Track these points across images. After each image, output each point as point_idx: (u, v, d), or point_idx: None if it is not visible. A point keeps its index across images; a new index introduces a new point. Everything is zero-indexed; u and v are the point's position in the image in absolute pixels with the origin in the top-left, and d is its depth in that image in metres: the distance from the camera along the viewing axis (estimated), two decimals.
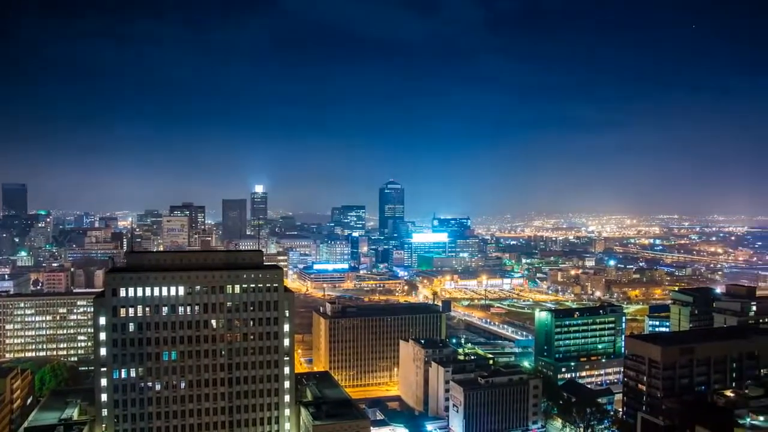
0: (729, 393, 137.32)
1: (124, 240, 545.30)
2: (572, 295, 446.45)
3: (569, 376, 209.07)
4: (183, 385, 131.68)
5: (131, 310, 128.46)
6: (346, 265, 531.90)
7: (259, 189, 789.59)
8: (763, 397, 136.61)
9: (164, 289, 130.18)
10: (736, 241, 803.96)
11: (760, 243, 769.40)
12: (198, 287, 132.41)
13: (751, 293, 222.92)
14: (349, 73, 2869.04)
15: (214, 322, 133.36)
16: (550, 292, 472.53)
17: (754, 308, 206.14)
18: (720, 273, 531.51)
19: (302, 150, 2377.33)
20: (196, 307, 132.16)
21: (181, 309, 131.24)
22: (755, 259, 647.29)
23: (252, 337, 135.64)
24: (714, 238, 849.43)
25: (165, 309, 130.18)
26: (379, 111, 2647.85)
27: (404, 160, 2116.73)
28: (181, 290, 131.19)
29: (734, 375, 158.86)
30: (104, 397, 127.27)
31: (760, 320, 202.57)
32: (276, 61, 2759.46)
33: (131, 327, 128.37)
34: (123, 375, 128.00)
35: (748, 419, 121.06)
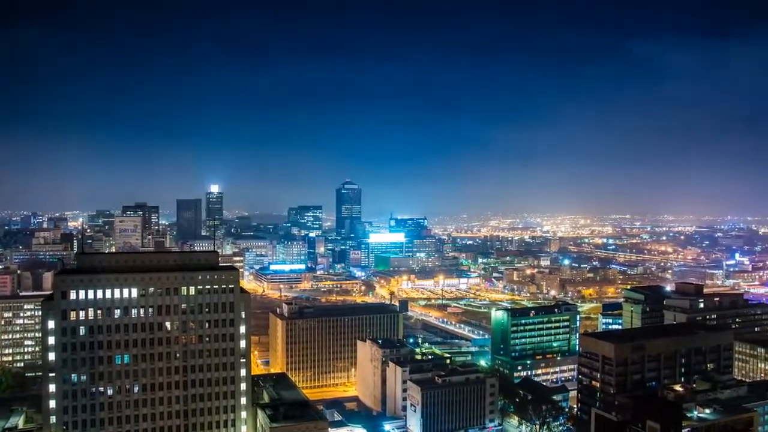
0: (678, 388, 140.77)
1: (75, 241, 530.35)
2: (528, 294, 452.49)
3: (525, 374, 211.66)
4: (136, 389, 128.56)
5: (82, 313, 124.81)
6: (302, 266, 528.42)
7: (214, 189, 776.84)
8: (710, 391, 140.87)
9: (116, 291, 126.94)
10: (685, 241, 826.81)
11: (707, 242, 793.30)
12: (152, 289, 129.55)
13: (698, 291, 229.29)
14: (305, 73, 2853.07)
15: (168, 325, 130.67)
16: (506, 291, 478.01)
17: (701, 305, 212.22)
18: (670, 271, 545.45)
19: (258, 149, 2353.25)
20: (150, 310, 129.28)
21: (134, 311, 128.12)
22: (702, 257, 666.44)
23: (207, 339, 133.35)
24: (664, 238, 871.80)
25: (117, 311, 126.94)
26: (335, 111, 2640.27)
27: (361, 160, 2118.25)
28: (134, 292, 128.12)
29: (683, 370, 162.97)
30: (52, 403, 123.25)
31: (707, 317, 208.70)
32: (230, 62, 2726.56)
33: (82, 330, 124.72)
34: (73, 380, 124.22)
35: (695, 412, 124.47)
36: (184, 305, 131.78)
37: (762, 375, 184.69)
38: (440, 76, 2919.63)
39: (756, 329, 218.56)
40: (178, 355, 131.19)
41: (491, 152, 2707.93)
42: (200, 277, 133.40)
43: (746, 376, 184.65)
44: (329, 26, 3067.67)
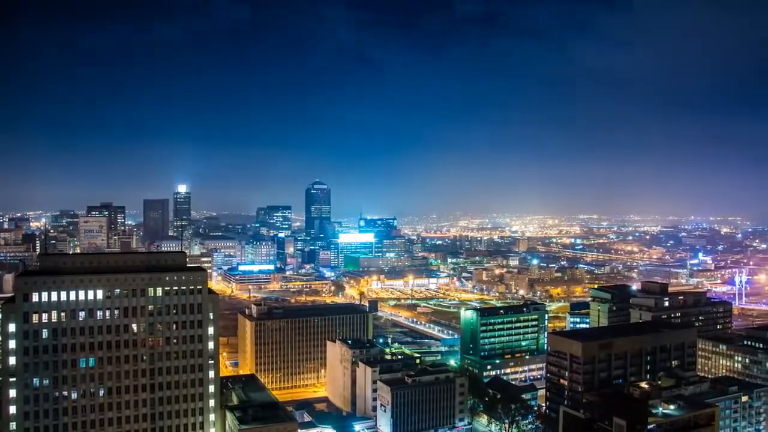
0: (644, 385, 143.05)
1: (37, 242, 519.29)
2: (497, 294, 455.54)
3: (494, 373, 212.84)
4: (102, 392, 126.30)
5: (44, 316, 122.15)
6: (271, 266, 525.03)
7: (182, 189, 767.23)
8: (674, 388, 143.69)
9: (81, 293, 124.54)
10: (651, 240, 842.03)
11: (671, 242, 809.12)
12: (117, 290, 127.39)
13: (663, 290, 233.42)
14: (273, 73, 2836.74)
15: (134, 327, 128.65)
16: (475, 291, 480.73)
17: (666, 303, 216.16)
18: (636, 271, 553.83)
19: (227, 149, 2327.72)
20: (116, 311, 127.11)
21: (99, 313, 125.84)
22: (667, 257, 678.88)
23: (175, 341, 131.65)
24: (630, 238, 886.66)
25: (82, 314, 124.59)
26: (305, 111, 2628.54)
27: (331, 160, 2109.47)
28: (100, 294, 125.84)
29: (648, 367, 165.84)
30: (13, 409, 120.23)
31: (672, 315, 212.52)
32: (198, 61, 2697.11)
33: (44, 333, 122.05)
34: (35, 384, 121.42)
35: (660, 409, 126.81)
36: (151, 307, 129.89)
37: (723, 371, 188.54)
38: (407, 75, 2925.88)
39: (718, 326, 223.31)
40: (144, 357, 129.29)
41: (460, 153, 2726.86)
42: (167, 278, 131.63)
43: (708, 373, 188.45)
44: (295, 25, 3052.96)
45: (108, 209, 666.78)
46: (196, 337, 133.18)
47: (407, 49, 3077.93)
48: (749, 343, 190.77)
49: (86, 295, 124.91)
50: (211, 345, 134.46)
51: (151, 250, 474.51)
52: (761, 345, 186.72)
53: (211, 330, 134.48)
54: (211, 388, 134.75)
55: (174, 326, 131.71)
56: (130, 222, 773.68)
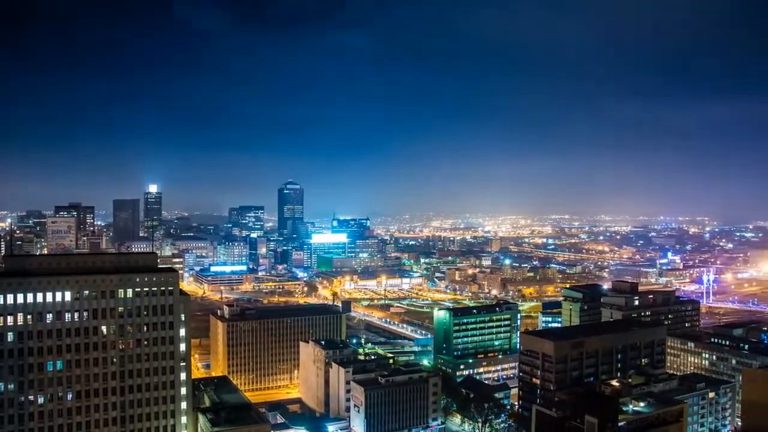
0: (615, 383, 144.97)
1: (2, 243, 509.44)
2: (470, 294, 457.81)
3: (467, 372, 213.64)
4: (70, 396, 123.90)
5: (10, 319, 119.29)
6: (244, 267, 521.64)
7: (152, 189, 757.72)
8: (644, 385, 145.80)
9: (48, 295, 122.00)
10: (621, 240, 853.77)
11: (641, 241, 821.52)
12: (86, 292, 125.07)
13: (634, 289, 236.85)
14: (246, 72, 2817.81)
15: (104, 329, 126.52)
16: (448, 291, 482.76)
17: (636, 302, 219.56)
18: (607, 270, 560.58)
19: (199, 148, 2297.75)
20: (85, 313, 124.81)
21: (67, 315, 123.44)
22: (637, 256, 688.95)
23: (146, 342, 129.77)
24: (601, 237, 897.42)
25: (50, 316, 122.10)
26: (278, 110, 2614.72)
27: (304, 160, 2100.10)
28: (68, 295, 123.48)
29: (619, 365, 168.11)
30: None
31: (642, 313, 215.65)
32: (170, 60, 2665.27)
33: (10, 336, 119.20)
34: None
35: (631, 406, 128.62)
36: (121, 308, 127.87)
37: (691, 368, 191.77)
38: (381, 75, 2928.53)
39: (686, 325, 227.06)
40: (114, 360, 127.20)
41: (433, 153, 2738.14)
42: (138, 279, 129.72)
43: (677, 370, 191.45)
44: (269, 24, 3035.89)
45: (76, 209, 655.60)
46: (167, 338, 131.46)
47: (378, 47, 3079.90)
48: (716, 340, 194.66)
49: (54, 296, 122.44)
50: (182, 347, 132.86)
51: (121, 251, 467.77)
52: (727, 342, 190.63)
53: (182, 331, 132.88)
54: (183, 391, 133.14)
55: (144, 328, 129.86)
56: (99, 222, 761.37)
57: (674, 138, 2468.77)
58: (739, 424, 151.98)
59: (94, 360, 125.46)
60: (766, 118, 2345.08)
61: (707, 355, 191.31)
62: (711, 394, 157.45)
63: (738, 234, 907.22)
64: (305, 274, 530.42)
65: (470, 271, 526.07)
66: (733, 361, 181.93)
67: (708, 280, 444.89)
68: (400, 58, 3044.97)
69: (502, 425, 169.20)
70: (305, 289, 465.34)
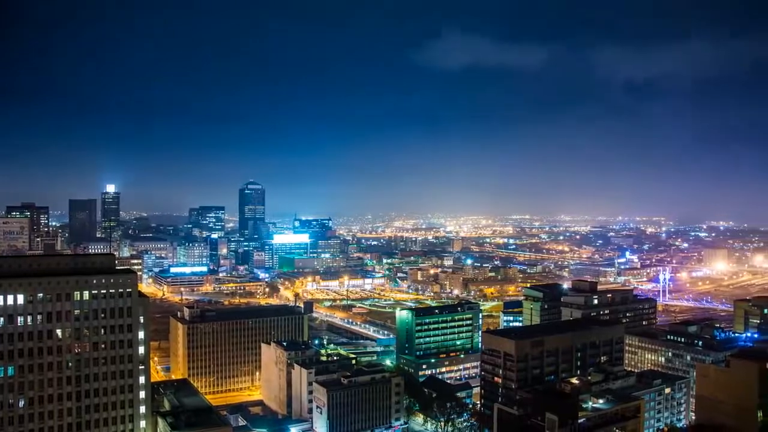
0: (574, 380, 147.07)
1: None
2: (432, 294, 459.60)
3: (430, 372, 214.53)
4: (22, 403, 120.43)
5: None
6: (204, 268, 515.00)
7: (110, 188, 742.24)
8: (603, 382, 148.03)
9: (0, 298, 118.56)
10: (581, 240, 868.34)
11: (600, 241, 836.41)
12: (40, 295, 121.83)
13: (593, 288, 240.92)
14: (205, 70, 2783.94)
15: (59, 332, 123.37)
16: (410, 291, 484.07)
17: (595, 301, 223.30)
18: (567, 270, 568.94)
19: (158, 147, 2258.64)
20: (39, 317, 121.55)
21: (20, 319, 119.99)
22: (597, 256, 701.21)
23: (103, 346, 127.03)
24: (561, 237, 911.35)
25: (0, 320, 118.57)
26: (239, 109, 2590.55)
27: (265, 160, 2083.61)
28: (21, 299, 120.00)
29: (579, 363, 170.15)
30: None
31: (601, 312, 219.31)
32: (128, 56, 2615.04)
33: None
34: None
35: (590, 403, 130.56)
36: (77, 311, 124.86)
37: (649, 365, 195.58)
38: (343, 72, 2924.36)
39: (644, 323, 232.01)
40: (70, 364, 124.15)
41: (394, 153, 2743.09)
42: (95, 281, 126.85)
43: (635, 367, 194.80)
44: (229, 21, 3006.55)
45: (30, 209, 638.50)
46: (126, 341, 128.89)
47: (341, 47, 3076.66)
48: (672, 337, 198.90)
49: (5, 300, 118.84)
50: (141, 349, 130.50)
51: (77, 253, 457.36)
52: (682, 339, 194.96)
53: (141, 334, 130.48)
54: (142, 394, 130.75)
55: (102, 331, 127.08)
56: (54, 223, 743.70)
57: (631, 139, 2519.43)
58: (694, 418, 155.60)
59: (48, 365, 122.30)
60: (718, 119, 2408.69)
61: (663, 352, 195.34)
62: (667, 390, 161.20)
63: (692, 234, 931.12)
64: (267, 275, 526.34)
65: (432, 271, 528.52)
66: (688, 358, 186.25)
67: (664, 279, 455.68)
68: (362, 56, 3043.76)
69: (464, 424, 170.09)
70: (267, 290, 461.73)
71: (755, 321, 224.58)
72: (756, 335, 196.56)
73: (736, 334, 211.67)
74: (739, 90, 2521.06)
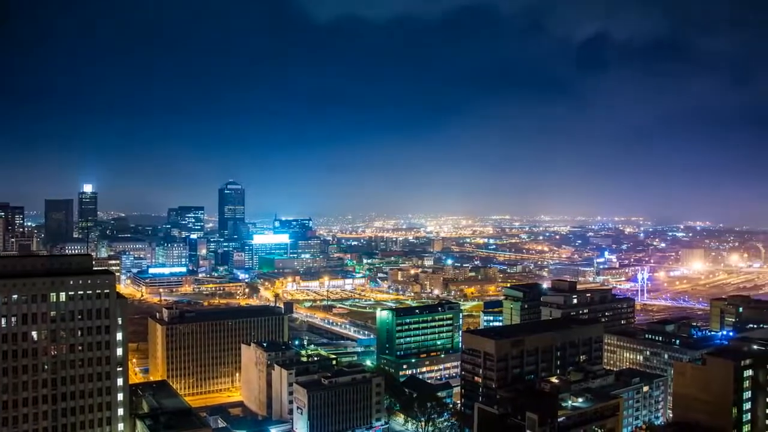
0: (554, 379, 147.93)
1: None
2: (412, 294, 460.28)
3: (410, 372, 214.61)
4: None
5: None
6: (183, 269, 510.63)
7: (87, 188, 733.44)
8: (582, 381, 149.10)
9: None
10: (560, 240, 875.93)
11: (579, 241, 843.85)
12: (15, 296, 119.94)
13: (572, 287, 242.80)
14: (184, 69, 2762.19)
15: (35, 334, 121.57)
16: (390, 291, 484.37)
17: (575, 301, 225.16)
18: (547, 269, 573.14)
19: (136, 147, 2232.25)
20: (13, 319, 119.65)
21: None
22: (576, 256, 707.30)
23: (80, 348, 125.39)
24: (541, 237, 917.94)
25: None
26: (218, 108, 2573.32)
27: (245, 160, 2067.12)
28: None
29: (558, 362, 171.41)
30: None
31: (580, 312, 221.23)
32: (104, 52, 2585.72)
33: None
34: None
35: (570, 402, 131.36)
36: (53, 313, 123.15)
37: (627, 363, 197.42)
38: (321, 75, 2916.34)
39: (622, 322, 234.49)
40: (46, 366, 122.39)
41: (374, 153, 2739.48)
42: (71, 282, 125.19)
43: (614, 366, 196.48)
44: (209, 21, 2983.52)
45: (4, 209, 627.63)
46: (103, 343, 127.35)
47: (315, 45, 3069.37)
48: (650, 336, 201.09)
49: None
50: (119, 351, 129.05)
51: (53, 253, 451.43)
52: (660, 338, 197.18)
53: (119, 335, 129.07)
54: (120, 396, 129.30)
55: (79, 333, 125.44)
56: (30, 223, 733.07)
57: (610, 140, 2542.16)
58: (671, 415, 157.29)
59: (24, 367, 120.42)
60: (694, 120, 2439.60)
61: (642, 351, 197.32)
62: (645, 388, 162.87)
63: (670, 234, 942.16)
64: (246, 276, 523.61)
65: (413, 272, 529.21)
66: (666, 356, 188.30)
67: (642, 279, 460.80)
68: (343, 59, 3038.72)
69: (445, 424, 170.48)
70: (247, 290, 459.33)
71: (731, 319, 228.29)
72: (731, 333, 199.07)
73: (713, 333, 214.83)
74: (714, 93, 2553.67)
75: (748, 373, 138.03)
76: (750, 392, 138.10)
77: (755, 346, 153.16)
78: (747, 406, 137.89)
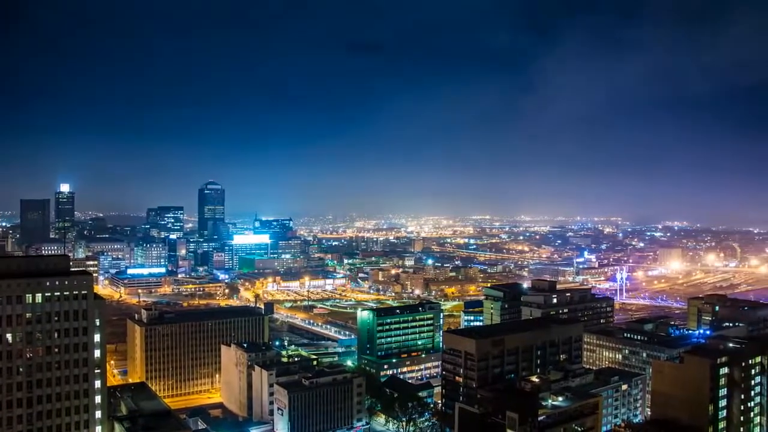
0: (534, 379, 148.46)
1: None
2: (393, 294, 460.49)
3: (391, 372, 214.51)
4: None
5: None
6: (163, 269, 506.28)
7: (64, 188, 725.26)
8: (562, 380, 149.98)
9: None
10: (540, 240, 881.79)
11: (559, 241, 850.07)
12: None
13: (552, 287, 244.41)
14: (163, 68, 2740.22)
15: (9, 337, 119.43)
16: (371, 291, 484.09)
17: (555, 300, 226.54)
18: (527, 269, 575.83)
19: (115, 146, 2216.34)
20: None
21: None
22: (556, 255, 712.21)
23: (57, 350, 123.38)
24: (521, 237, 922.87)
25: None
26: (198, 108, 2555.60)
27: (225, 160, 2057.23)
28: None
29: (539, 362, 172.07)
30: None
31: (560, 311, 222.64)
32: (82, 50, 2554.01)
33: None
34: None
35: (550, 401, 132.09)
36: (29, 314, 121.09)
37: (606, 362, 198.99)
38: (302, 74, 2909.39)
39: (602, 321, 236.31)
40: (21, 369, 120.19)
41: (355, 153, 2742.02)
42: (48, 284, 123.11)
43: (593, 364, 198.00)
44: (186, 20, 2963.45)
45: None
46: (81, 345, 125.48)
47: (300, 44, 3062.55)
48: (629, 335, 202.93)
49: None
50: (97, 353, 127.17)
51: (29, 254, 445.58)
52: (639, 337, 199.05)
53: (97, 337, 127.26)
54: (98, 399, 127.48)
55: (56, 335, 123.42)
56: (5, 224, 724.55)
57: (588, 141, 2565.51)
58: (650, 413, 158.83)
59: None
60: (673, 120, 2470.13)
61: (621, 350, 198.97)
62: (624, 387, 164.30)
63: (648, 234, 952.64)
64: (227, 276, 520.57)
65: (393, 272, 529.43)
66: (644, 355, 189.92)
67: (621, 278, 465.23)
68: (321, 55, 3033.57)
69: (426, 423, 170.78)
70: (227, 291, 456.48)
71: (708, 318, 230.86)
72: (708, 332, 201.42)
73: (690, 332, 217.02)
74: (693, 94, 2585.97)
75: (724, 370, 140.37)
76: (726, 389, 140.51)
77: (731, 345, 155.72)
78: (723, 403, 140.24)
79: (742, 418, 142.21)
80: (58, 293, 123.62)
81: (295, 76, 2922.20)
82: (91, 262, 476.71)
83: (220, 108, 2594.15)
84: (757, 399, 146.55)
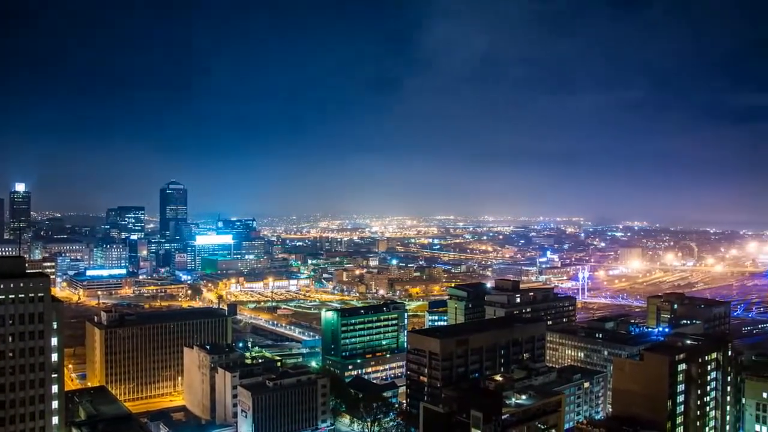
0: (498, 377, 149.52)
1: None
2: (357, 294, 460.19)
3: (356, 372, 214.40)
4: None
5: None
6: (123, 271, 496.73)
7: (20, 187, 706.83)
8: (525, 379, 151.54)
9: None
10: (504, 240, 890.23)
11: (522, 241, 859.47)
12: None
13: (515, 287, 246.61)
14: (123, 64, 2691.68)
15: None
16: (336, 291, 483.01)
17: (518, 300, 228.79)
18: (490, 269, 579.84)
19: (73, 144, 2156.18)
20: None
21: None
22: (519, 255, 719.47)
23: (12, 354, 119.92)
24: (485, 237, 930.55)
25: None
26: (160, 106, 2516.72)
27: (187, 159, 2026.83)
28: None
29: (502, 360, 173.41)
30: None
31: (523, 310, 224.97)
32: (42, 45, 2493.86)
33: None
34: None
35: (514, 399, 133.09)
36: None
37: (569, 360, 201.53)
38: (265, 72, 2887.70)
39: (564, 320, 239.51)
40: None
41: (317, 153, 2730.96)
42: (2, 286, 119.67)
43: (556, 363, 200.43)
44: (154, 19, 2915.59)
45: None
46: (37, 349, 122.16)
47: (264, 41, 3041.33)
48: (590, 334, 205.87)
49: None
50: (54, 357, 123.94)
51: None
52: (600, 335, 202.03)
53: (54, 341, 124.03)
54: (55, 404, 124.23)
55: (10, 338, 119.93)
56: None
57: (549, 141, 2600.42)
58: (611, 410, 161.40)
59: None
60: (636, 120, 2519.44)
61: (582, 348, 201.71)
62: (586, 384, 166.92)
63: (609, 233, 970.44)
64: (189, 277, 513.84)
65: (358, 272, 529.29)
66: (605, 352, 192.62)
67: (583, 278, 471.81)
68: (285, 53, 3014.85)
69: (390, 423, 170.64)
70: (189, 292, 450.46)
71: (666, 316, 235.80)
72: (667, 329, 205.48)
73: (650, 329, 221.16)
74: (654, 94, 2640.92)
75: (682, 367, 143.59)
76: (683, 385, 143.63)
77: (688, 342, 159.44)
78: (681, 398, 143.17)
79: (698, 413, 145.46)
80: (13, 296, 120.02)
81: (253, 75, 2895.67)
82: (49, 264, 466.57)
83: (181, 107, 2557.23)
84: (713, 394, 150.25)
